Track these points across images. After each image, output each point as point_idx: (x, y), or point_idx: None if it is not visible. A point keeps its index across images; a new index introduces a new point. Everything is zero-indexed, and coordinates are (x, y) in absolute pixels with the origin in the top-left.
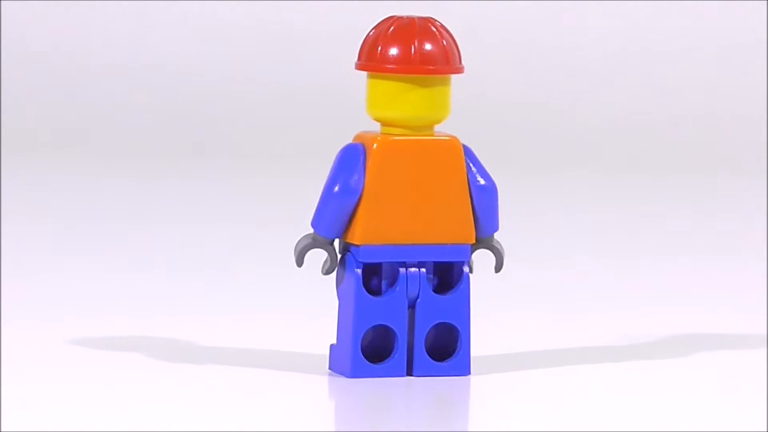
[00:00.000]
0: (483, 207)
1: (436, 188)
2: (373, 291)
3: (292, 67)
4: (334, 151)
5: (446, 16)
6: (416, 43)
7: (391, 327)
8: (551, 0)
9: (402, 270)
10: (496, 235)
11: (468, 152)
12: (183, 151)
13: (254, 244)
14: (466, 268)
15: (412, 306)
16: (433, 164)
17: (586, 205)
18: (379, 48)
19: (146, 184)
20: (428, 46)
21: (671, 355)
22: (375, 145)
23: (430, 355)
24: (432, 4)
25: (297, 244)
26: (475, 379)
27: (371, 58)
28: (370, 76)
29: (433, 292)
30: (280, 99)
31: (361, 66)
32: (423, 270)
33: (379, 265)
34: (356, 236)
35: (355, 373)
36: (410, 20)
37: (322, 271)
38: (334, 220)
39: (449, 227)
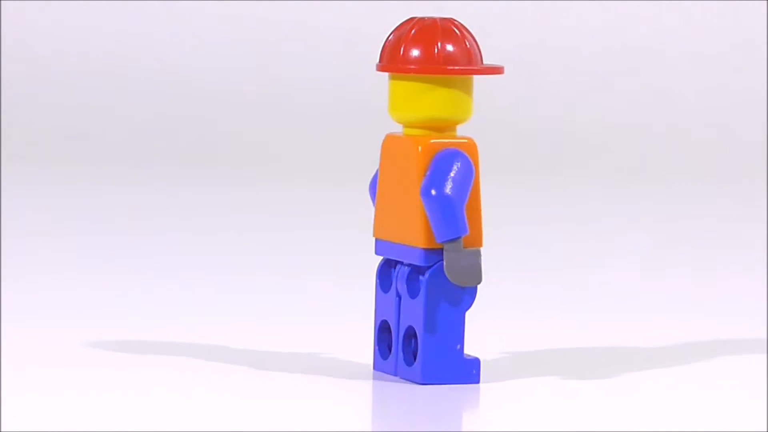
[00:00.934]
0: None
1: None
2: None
3: (307, 71)
4: (353, 156)
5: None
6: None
7: (390, 324)
8: (556, 1)
9: (394, 269)
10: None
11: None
12: (185, 156)
13: (256, 249)
14: (425, 274)
15: None
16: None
17: (591, 211)
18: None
19: (147, 188)
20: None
21: (677, 362)
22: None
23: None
24: (437, 4)
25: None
26: (484, 387)
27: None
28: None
29: (407, 295)
30: (293, 104)
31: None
32: (405, 269)
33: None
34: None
35: (374, 366)
36: (433, 21)
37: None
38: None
39: (414, 230)
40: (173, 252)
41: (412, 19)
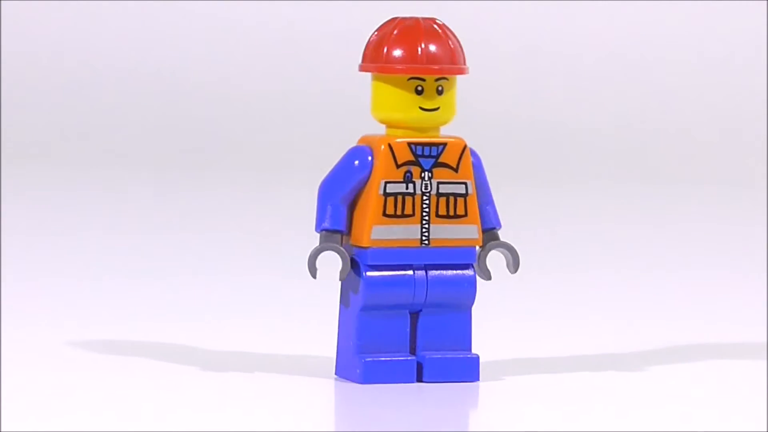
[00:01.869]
0: None
1: None
2: None
3: (289, 72)
4: (336, 156)
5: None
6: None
7: None
8: (555, 0)
9: None
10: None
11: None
12: (182, 157)
13: (255, 247)
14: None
15: None
16: None
17: (592, 213)
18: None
19: (146, 188)
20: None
21: (677, 362)
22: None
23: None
24: (431, 5)
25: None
26: (483, 385)
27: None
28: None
29: None
30: (277, 105)
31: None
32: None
33: None
34: None
35: None
36: (415, 21)
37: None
38: None
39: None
40: (171, 251)
41: (394, 18)
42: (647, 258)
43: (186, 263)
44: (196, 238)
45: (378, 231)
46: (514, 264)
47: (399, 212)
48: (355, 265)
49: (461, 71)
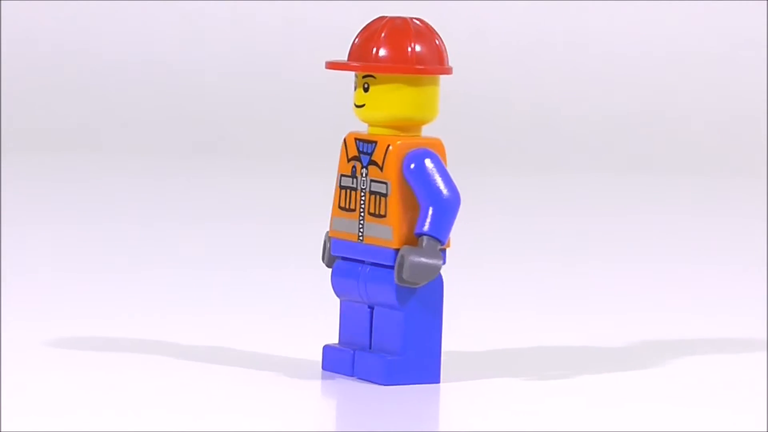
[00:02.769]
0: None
1: None
2: None
3: (274, 68)
4: (320, 153)
5: (444, 17)
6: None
7: None
8: (554, 0)
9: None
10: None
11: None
12: (181, 150)
13: (252, 243)
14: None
15: None
16: None
17: (584, 206)
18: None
19: (146, 181)
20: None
21: (677, 362)
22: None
23: None
24: (426, 4)
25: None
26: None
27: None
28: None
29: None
30: (259, 101)
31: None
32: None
33: None
34: None
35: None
36: (403, 21)
37: None
38: None
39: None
40: (165, 247)
41: (381, 18)
42: (641, 251)
43: (185, 262)
44: (195, 234)
45: (335, 222)
46: (396, 276)
47: (346, 206)
48: None
49: (378, 69)
